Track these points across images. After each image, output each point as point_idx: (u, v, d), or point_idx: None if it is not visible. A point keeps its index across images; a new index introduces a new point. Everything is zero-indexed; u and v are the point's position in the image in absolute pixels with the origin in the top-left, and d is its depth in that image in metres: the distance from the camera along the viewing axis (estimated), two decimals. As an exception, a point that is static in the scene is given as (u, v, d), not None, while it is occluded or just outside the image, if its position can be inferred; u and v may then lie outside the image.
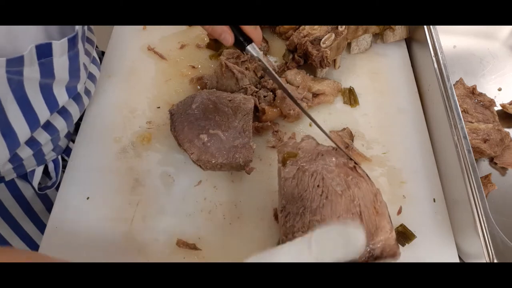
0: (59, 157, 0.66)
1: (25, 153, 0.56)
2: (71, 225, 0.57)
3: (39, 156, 0.60)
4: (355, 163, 0.51)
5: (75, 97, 0.59)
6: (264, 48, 0.74)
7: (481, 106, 0.73)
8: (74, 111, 0.60)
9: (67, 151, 0.67)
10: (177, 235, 0.56)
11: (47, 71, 0.49)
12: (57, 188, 0.62)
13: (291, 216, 0.49)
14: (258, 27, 0.53)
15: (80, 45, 0.53)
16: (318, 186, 0.49)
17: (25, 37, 0.46)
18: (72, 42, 0.50)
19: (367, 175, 0.51)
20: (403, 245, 0.56)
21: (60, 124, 0.59)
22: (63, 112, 0.58)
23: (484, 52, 0.86)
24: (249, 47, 0.53)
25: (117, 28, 0.79)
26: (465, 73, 0.82)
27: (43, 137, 0.57)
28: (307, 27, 0.71)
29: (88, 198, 0.59)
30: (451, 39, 0.86)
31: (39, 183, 0.64)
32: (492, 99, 0.74)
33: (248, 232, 0.57)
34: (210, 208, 0.59)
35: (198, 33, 0.79)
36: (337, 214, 0.47)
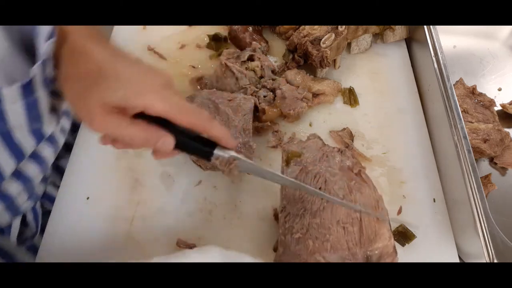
0: (38, 204, 0.59)
1: None
2: (71, 225, 0.57)
3: (12, 208, 0.52)
4: (361, 166, 0.51)
5: (49, 138, 0.51)
6: (264, 48, 0.74)
7: (481, 106, 0.73)
8: (48, 154, 0.53)
9: (46, 197, 0.61)
10: (177, 235, 0.56)
11: None
12: (41, 233, 0.56)
13: (290, 217, 0.48)
14: (226, 130, 0.44)
15: (40, 92, 0.43)
16: (319, 188, 0.49)
17: None
18: (27, 89, 0.41)
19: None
20: (403, 245, 0.56)
21: (33, 171, 0.52)
22: (35, 157, 0.51)
23: (484, 52, 0.86)
24: (217, 151, 0.43)
25: (117, 28, 0.79)
26: (465, 73, 0.82)
27: (13, 188, 0.50)
28: (307, 27, 0.71)
29: (88, 198, 0.59)
30: (451, 39, 0.86)
31: (19, 234, 0.57)
32: (492, 99, 0.74)
33: (248, 232, 0.57)
34: (210, 208, 0.59)
35: (198, 33, 0.79)
36: (336, 218, 0.47)
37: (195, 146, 0.43)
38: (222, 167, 0.45)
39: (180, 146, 0.42)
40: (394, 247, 0.46)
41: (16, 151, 0.46)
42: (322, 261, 0.44)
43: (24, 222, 0.57)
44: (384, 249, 0.45)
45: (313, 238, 0.46)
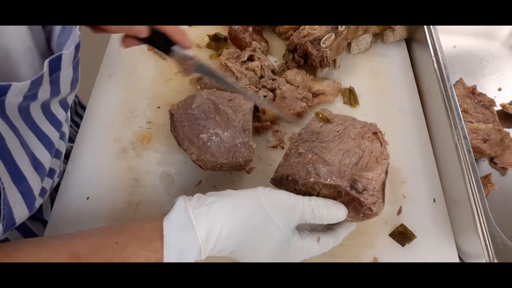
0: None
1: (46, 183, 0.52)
2: (71, 225, 0.57)
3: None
4: (379, 132, 0.53)
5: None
6: (264, 48, 0.74)
7: (481, 106, 0.73)
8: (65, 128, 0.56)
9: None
10: (177, 235, 0.56)
11: (55, 87, 0.45)
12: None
13: (302, 141, 0.53)
14: (184, 31, 0.51)
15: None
16: (337, 131, 0.53)
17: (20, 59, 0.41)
18: (78, 49, 0.45)
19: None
20: (403, 245, 0.56)
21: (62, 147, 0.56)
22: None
23: (484, 52, 0.86)
24: (175, 48, 0.51)
25: (117, 28, 0.79)
26: (465, 73, 0.82)
27: (53, 162, 0.53)
28: (307, 27, 0.71)
29: (88, 198, 0.59)
30: (451, 39, 0.86)
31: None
32: (492, 99, 0.74)
33: (248, 232, 0.57)
34: (210, 208, 0.59)
35: (198, 33, 0.79)
36: (341, 147, 0.50)
37: (158, 40, 0.50)
38: (180, 65, 0.53)
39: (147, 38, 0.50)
40: (383, 194, 0.48)
41: (55, 122, 0.50)
42: (313, 172, 0.47)
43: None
44: (371, 183, 0.46)
45: (313, 153, 0.50)
